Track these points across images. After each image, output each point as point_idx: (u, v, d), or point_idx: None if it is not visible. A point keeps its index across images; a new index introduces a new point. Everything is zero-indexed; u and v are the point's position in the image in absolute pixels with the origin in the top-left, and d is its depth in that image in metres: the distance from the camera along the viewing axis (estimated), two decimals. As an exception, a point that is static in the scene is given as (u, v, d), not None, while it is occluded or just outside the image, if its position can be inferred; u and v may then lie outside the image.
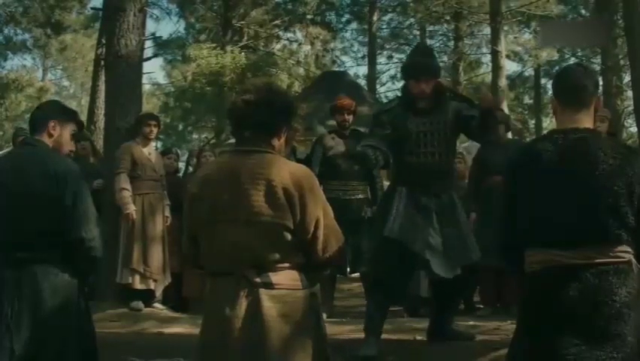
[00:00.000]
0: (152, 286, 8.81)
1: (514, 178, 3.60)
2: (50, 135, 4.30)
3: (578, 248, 3.34)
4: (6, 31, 28.15)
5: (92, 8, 25.89)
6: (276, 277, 3.36)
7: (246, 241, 3.35)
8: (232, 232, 3.38)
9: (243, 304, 3.33)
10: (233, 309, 3.33)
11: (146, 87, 31.59)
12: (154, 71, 72.54)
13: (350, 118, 8.88)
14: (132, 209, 8.67)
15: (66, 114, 4.46)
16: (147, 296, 8.85)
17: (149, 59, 11.37)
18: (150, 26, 43.38)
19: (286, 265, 3.41)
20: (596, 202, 3.32)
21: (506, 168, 3.76)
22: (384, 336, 6.41)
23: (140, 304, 8.70)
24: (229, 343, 3.31)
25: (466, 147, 10.74)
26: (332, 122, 9.32)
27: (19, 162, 4.28)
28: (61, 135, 4.34)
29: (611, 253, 3.34)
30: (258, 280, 3.34)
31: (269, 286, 3.34)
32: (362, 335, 6.35)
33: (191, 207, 3.57)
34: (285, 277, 3.39)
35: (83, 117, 24.47)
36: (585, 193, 3.33)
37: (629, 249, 3.38)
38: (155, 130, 9.11)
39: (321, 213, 3.44)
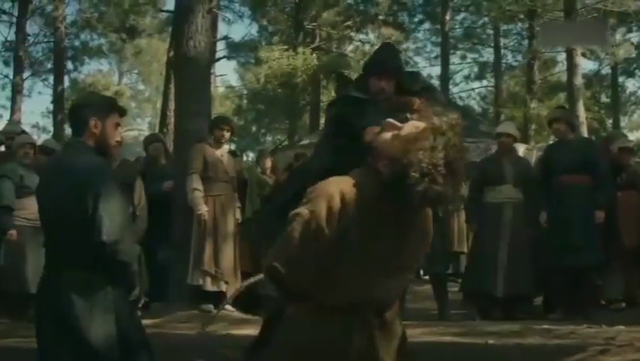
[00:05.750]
0: (223, 288, 8.81)
1: None
2: (93, 134, 4.14)
3: None
4: (82, 36, 28.66)
5: (162, 10, 26.21)
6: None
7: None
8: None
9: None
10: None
11: (220, 90, 31.88)
12: (226, 73, 73.43)
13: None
14: (204, 210, 8.68)
15: (106, 107, 4.28)
16: (219, 298, 8.85)
17: (218, 60, 11.44)
18: (223, 29, 43.67)
19: None
20: None
21: None
22: (454, 340, 6.30)
23: (210, 306, 8.70)
24: None
25: None
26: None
27: (51, 175, 4.24)
28: (104, 130, 4.16)
29: None
30: (376, 319, 3.17)
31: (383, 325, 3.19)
32: (433, 338, 6.24)
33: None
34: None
35: (157, 120, 24.86)
36: None
37: None
38: (227, 135, 9.13)
39: None
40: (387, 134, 3.11)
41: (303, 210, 3.03)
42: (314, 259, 3.02)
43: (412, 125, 3.05)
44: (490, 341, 6.71)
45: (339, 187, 3.06)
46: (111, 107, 4.30)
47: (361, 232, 3.01)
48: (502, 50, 31.72)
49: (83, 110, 4.23)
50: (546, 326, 7.51)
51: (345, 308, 3.10)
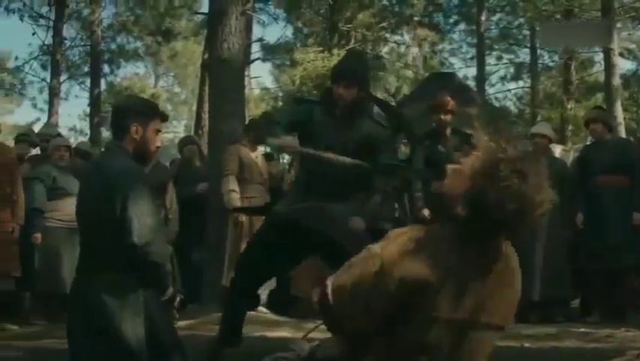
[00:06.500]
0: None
1: None
2: (133, 140, 4.14)
3: None
4: (119, 39, 28.87)
5: (196, 13, 26.34)
6: None
7: None
8: None
9: None
10: None
11: (255, 92, 31.92)
12: (262, 75, 73.75)
13: (447, 118, 8.36)
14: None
15: (148, 112, 4.26)
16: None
17: (252, 62, 11.48)
18: (258, 31, 43.78)
19: None
20: None
21: None
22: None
23: (244, 308, 8.69)
24: None
25: None
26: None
27: (88, 178, 4.30)
28: (145, 136, 4.16)
29: None
30: None
31: None
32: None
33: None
34: None
35: (192, 122, 24.96)
36: None
37: None
38: None
39: None
40: (451, 177, 2.95)
41: (374, 246, 2.94)
42: (367, 298, 2.87)
43: (471, 157, 2.91)
44: (526, 345, 6.64)
45: (415, 234, 2.93)
46: (153, 112, 4.30)
47: (436, 286, 2.82)
48: (539, 51, 31.43)
49: (124, 114, 4.23)
50: (583, 330, 7.43)
51: None
